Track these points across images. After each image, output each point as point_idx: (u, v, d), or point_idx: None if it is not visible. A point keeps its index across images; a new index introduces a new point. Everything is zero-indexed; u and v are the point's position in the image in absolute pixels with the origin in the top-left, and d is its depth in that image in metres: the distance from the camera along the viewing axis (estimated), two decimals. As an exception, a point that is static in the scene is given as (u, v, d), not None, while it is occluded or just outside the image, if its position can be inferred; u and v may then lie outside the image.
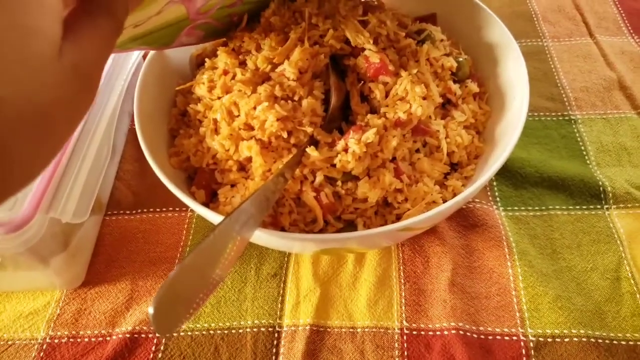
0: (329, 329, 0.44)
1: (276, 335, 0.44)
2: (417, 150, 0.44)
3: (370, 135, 0.40)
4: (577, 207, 0.50)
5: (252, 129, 0.42)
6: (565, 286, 0.45)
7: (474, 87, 0.48)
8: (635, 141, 0.56)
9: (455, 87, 0.46)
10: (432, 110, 0.44)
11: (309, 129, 0.41)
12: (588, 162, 0.54)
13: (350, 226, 0.41)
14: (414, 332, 0.43)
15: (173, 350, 0.43)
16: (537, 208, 0.51)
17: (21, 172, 0.20)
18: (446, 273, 0.46)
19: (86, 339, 0.44)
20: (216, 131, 0.44)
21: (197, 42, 0.48)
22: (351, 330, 0.44)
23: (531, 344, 0.41)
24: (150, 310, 0.26)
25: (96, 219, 0.52)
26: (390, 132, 0.41)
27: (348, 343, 0.43)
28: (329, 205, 0.40)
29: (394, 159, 0.42)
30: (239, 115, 0.42)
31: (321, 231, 0.41)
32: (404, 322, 0.44)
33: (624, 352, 0.41)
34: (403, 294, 0.45)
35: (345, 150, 0.40)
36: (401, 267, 0.47)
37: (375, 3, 0.49)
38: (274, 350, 0.43)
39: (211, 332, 0.44)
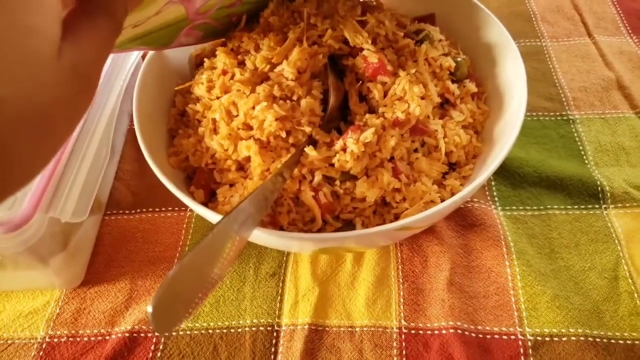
0: (327, 328, 0.44)
1: (275, 334, 0.44)
2: (416, 150, 0.44)
3: (368, 135, 0.40)
4: (575, 206, 0.51)
5: (251, 128, 0.42)
6: (563, 285, 0.45)
7: (472, 87, 0.48)
8: (634, 141, 0.56)
9: (453, 87, 0.46)
10: (431, 110, 0.44)
11: (308, 129, 0.41)
12: (586, 161, 0.54)
13: (349, 225, 0.42)
14: (413, 332, 0.43)
15: (172, 350, 0.43)
16: (535, 207, 0.51)
17: (21, 172, 0.20)
18: (444, 272, 0.46)
19: (85, 338, 0.45)
20: (215, 131, 0.44)
21: (196, 42, 0.48)
22: (350, 329, 0.44)
23: (529, 343, 0.42)
24: (149, 309, 0.26)
25: (95, 219, 0.52)
26: (389, 131, 0.41)
27: (346, 342, 0.43)
28: (327, 205, 0.41)
29: (392, 159, 0.42)
30: (237, 115, 0.42)
31: (320, 230, 0.41)
32: (403, 321, 0.44)
33: (622, 351, 0.41)
34: (401, 294, 0.45)
35: (344, 149, 0.40)
36: (400, 267, 0.47)
37: (374, 3, 0.49)
38: (273, 350, 0.43)
39: (210, 331, 0.44)
